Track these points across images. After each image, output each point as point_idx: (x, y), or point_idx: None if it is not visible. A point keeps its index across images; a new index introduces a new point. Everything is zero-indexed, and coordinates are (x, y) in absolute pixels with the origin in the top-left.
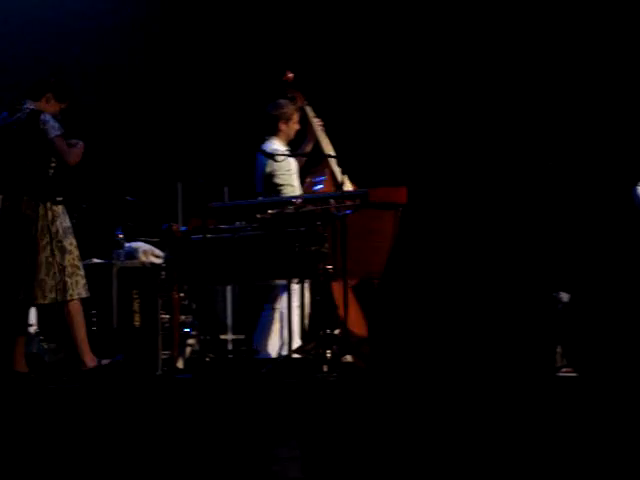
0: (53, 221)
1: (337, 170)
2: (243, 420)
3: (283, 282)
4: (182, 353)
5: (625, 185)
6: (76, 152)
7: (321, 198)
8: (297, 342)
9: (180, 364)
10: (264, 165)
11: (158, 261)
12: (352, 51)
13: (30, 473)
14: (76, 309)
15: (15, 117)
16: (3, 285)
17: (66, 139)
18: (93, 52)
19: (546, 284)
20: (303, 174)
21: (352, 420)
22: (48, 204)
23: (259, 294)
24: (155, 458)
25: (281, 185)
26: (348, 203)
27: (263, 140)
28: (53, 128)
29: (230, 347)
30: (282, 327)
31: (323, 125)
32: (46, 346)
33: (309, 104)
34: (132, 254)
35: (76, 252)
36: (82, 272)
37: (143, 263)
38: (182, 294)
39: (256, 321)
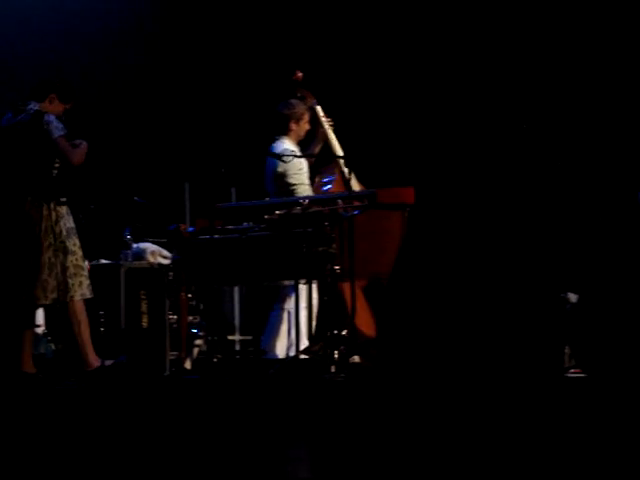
0: (57, 222)
1: (346, 170)
2: (251, 421)
3: (291, 283)
4: (190, 354)
5: (632, 186)
6: (80, 152)
7: (328, 199)
8: (305, 343)
9: (188, 365)
10: (275, 165)
11: (166, 262)
12: (361, 51)
13: (34, 473)
14: (80, 309)
15: (19, 118)
16: (7, 285)
17: (70, 139)
18: (101, 52)
19: (554, 285)
20: (312, 174)
21: (360, 420)
22: (52, 205)
23: (267, 295)
24: (163, 458)
25: (294, 185)
26: (356, 204)
27: (272, 140)
28: (57, 128)
29: (238, 348)
30: (290, 328)
31: (333, 125)
32: (54, 347)
33: (318, 103)
34: (140, 255)
35: (79, 253)
36: (86, 273)
37: (151, 264)
38: (190, 295)
39: (264, 322)
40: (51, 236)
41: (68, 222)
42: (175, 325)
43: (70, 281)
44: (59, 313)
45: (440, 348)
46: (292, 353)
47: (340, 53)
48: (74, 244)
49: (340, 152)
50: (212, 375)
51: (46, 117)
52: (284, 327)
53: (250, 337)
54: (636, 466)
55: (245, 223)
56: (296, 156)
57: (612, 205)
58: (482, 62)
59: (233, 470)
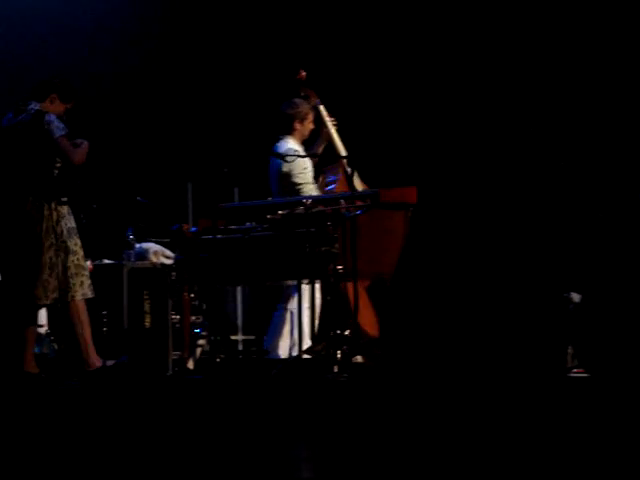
0: (58, 222)
1: (349, 170)
2: (253, 421)
3: (294, 283)
4: (192, 354)
5: (636, 186)
6: (81, 152)
7: (331, 198)
8: (307, 343)
9: (190, 365)
10: (279, 165)
11: (169, 262)
12: (365, 50)
13: (35, 473)
14: (81, 309)
15: (20, 118)
16: (8, 285)
17: (71, 139)
18: (104, 52)
19: (557, 284)
20: (316, 173)
21: (363, 421)
22: (53, 205)
23: (270, 294)
24: (165, 458)
25: (300, 184)
26: (358, 203)
27: (276, 140)
28: (57, 128)
29: (240, 348)
30: (292, 328)
31: (336, 124)
32: (56, 347)
33: (322, 103)
34: (143, 255)
35: (80, 252)
36: (87, 272)
37: (154, 264)
38: (192, 295)
39: (266, 322)
40: (52, 236)
41: (69, 222)
42: (178, 325)
43: (71, 281)
44: (61, 313)
45: (443, 348)
46: (295, 353)
47: (343, 53)
48: (75, 244)
49: (344, 152)
50: (215, 375)
51: (47, 117)
52: (287, 327)
53: (253, 337)
54: (639, 466)
55: (248, 223)
56: (299, 156)
57: (615, 205)
58: (486, 62)
59: (236, 470)
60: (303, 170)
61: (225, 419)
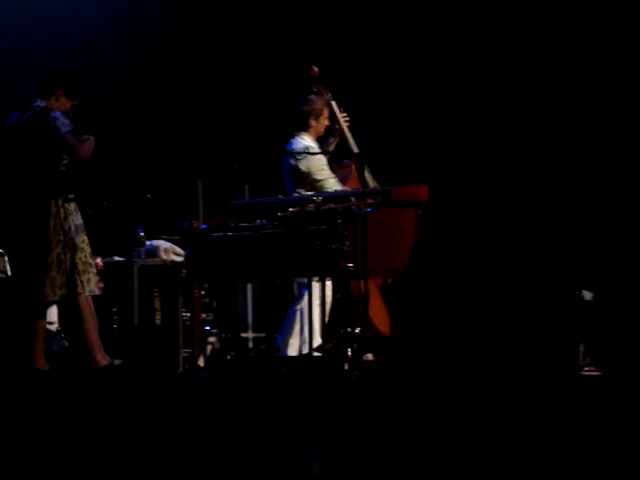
0: (65, 218)
1: (361, 167)
2: (264, 419)
3: (305, 280)
4: (203, 351)
5: None
6: (87, 147)
7: (342, 196)
8: (318, 340)
9: (201, 362)
10: (296, 164)
11: (179, 259)
12: (376, 47)
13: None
14: (88, 306)
15: (26, 115)
16: (16, 282)
17: (77, 135)
18: (114, 49)
19: (569, 282)
20: None
21: (374, 418)
22: (60, 201)
23: (280, 292)
24: (175, 455)
25: (321, 180)
26: (369, 201)
27: (289, 136)
28: (63, 125)
29: (251, 345)
30: (302, 325)
31: (348, 121)
32: (67, 344)
33: (334, 99)
34: (153, 252)
35: (88, 249)
36: (94, 270)
37: (164, 261)
38: (203, 292)
39: (277, 319)
40: (60, 233)
41: (77, 219)
42: (188, 322)
43: (78, 278)
44: (71, 310)
45: (454, 345)
46: (305, 351)
47: (356, 49)
48: (82, 241)
49: (356, 148)
50: (225, 373)
51: (52, 114)
52: (298, 325)
53: (263, 334)
54: None
55: (258, 220)
56: (309, 153)
57: (627, 202)
58: (499, 59)
59: (246, 468)
60: (323, 166)
61: (236, 417)
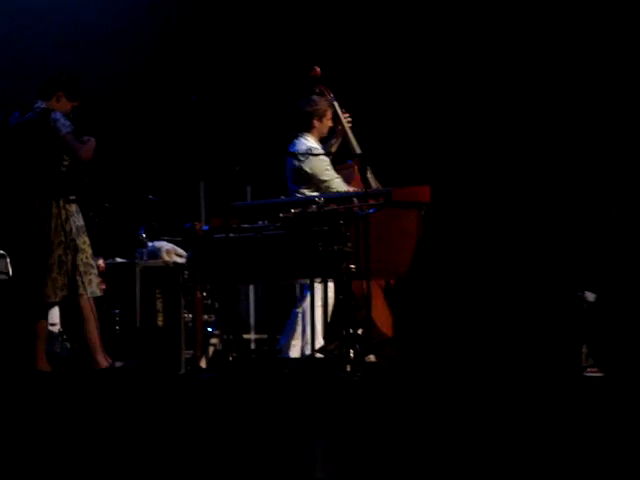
0: (67, 220)
1: (364, 168)
2: (266, 420)
3: (306, 281)
4: (205, 353)
5: None
6: (88, 148)
7: (344, 197)
8: (320, 342)
9: (203, 364)
10: (300, 165)
11: (181, 260)
12: (378, 48)
13: (46, 473)
14: (89, 307)
15: (26, 116)
16: (18, 284)
17: (77, 136)
18: (115, 50)
19: (572, 284)
20: None
21: (376, 420)
22: (61, 202)
23: (282, 293)
24: (177, 457)
25: (327, 181)
26: (371, 202)
27: (293, 137)
28: (64, 126)
29: (253, 347)
30: (304, 327)
31: (351, 121)
32: (69, 345)
33: (336, 100)
34: (155, 253)
35: (89, 251)
36: (95, 271)
37: (166, 262)
38: (205, 293)
39: (279, 320)
40: (62, 234)
41: (78, 220)
42: (190, 324)
43: (80, 279)
44: (73, 311)
45: (456, 347)
46: (307, 352)
47: (358, 50)
48: (84, 242)
49: (358, 149)
50: (227, 374)
51: (53, 115)
52: (299, 326)
53: (265, 336)
54: None
55: (260, 222)
56: (312, 154)
57: (630, 204)
58: (500, 61)
59: (249, 470)
60: (327, 167)
61: (238, 418)
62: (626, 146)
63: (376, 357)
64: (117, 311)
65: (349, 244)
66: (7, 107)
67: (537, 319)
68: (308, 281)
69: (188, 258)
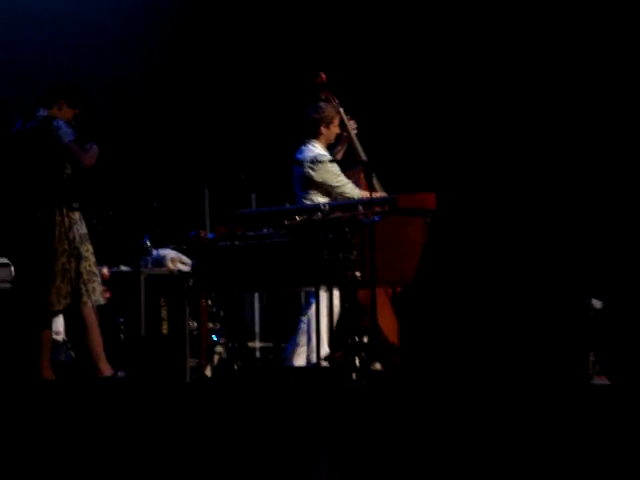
0: (70, 228)
1: (369, 175)
2: (271, 429)
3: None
4: (210, 361)
5: None
6: (91, 155)
7: (349, 204)
8: (325, 350)
9: (208, 372)
10: (309, 173)
11: (186, 268)
12: (385, 55)
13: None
14: (92, 315)
15: (28, 125)
16: (21, 292)
17: (80, 144)
18: (120, 57)
19: (579, 291)
20: None
21: (382, 428)
22: (64, 210)
23: (287, 301)
24: (182, 465)
25: (339, 187)
26: (377, 209)
27: (299, 144)
28: (66, 134)
29: (258, 355)
30: (310, 335)
31: (357, 128)
32: (73, 354)
33: (342, 106)
34: (160, 261)
35: (92, 259)
36: (99, 279)
37: (171, 270)
38: (210, 301)
39: (284, 328)
40: (65, 242)
41: (81, 228)
42: (195, 332)
43: (83, 287)
44: (77, 320)
45: (463, 355)
46: (313, 360)
47: (362, 56)
48: (87, 250)
49: (364, 156)
50: (232, 382)
51: (55, 122)
52: (305, 334)
53: (270, 344)
54: None
55: (265, 229)
56: (319, 162)
57: (637, 212)
58: (505, 68)
59: (253, 479)
60: (337, 172)
61: (243, 427)
62: (633, 154)
63: (382, 365)
64: (122, 319)
65: (354, 252)
66: (9, 113)
67: (544, 327)
68: (313, 289)
69: (193, 266)
